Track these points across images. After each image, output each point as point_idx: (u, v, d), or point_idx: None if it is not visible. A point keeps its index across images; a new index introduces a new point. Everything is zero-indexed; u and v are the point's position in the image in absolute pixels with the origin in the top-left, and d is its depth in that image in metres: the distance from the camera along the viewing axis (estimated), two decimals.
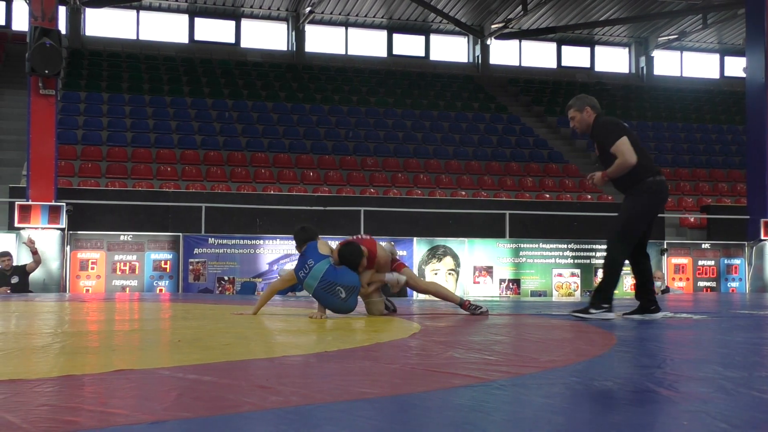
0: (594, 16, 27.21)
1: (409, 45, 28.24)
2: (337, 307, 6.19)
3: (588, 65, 30.00)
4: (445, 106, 23.97)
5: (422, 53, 28.33)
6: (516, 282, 14.67)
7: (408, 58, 27.92)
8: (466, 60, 28.67)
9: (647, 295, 6.14)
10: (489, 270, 14.56)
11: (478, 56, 28.22)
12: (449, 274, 14.41)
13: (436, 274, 14.34)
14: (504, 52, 28.78)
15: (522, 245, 14.83)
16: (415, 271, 14.28)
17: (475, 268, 14.51)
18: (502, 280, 14.61)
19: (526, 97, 26.64)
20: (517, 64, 29.02)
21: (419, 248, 14.38)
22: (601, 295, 5.89)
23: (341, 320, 6.08)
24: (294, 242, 6.75)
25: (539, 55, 29.49)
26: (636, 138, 5.95)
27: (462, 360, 3.45)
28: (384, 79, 25.78)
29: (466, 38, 28.55)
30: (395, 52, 28.03)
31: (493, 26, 27.12)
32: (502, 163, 21.03)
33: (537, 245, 14.92)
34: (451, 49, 28.75)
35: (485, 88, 26.47)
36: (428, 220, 15.65)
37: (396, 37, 28.07)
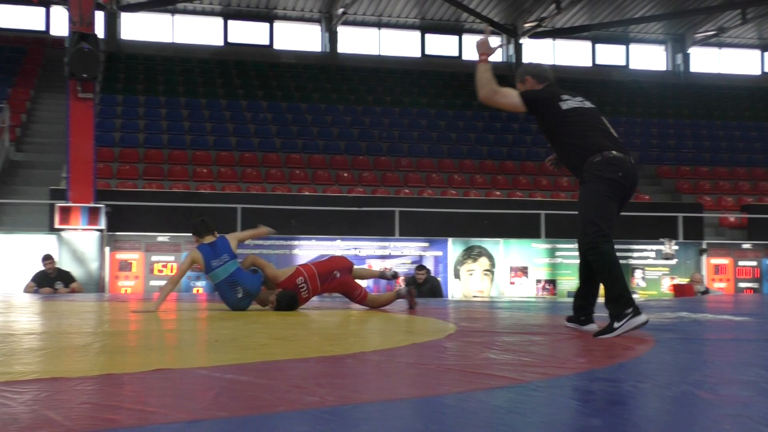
0: (629, 13, 26.93)
1: (441, 45, 28.19)
2: (232, 304, 7.20)
3: (623, 63, 29.72)
4: (479, 106, 23.86)
5: (455, 53, 28.26)
6: (552, 282, 14.57)
7: (441, 58, 27.88)
8: (499, 59, 28.54)
9: (586, 303, 5.02)
10: (524, 270, 14.49)
11: (511, 55, 28.08)
12: (485, 274, 14.36)
13: (471, 274, 14.30)
14: (537, 51, 28.62)
15: (558, 245, 14.73)
16: (450, 271, 14.26)
17: (511, 269, 14.44)
18: (538, 281, 14.52)
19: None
20: (551, 62, 28.84)
21: (454, 249, 14.34)
22: (618, 303, 4.52)
23: (377, 321, 6.09)
24: (196, 233, 7.63)
25: (573, 53, 29.28)
26: (590, 113, 4.87)
27: (498, 361, 3.43)
28: (417, 80, 25.76)
29: (500, 37, 28.42)
30: (428, 52, 28.01)
31: (526, 25, 26.98)
32: (536, 162, 20.89)
33: (573, 245, 14.76)
34: None
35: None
36: (463, 221, 15.60)
37: (429, 37, 28.04)
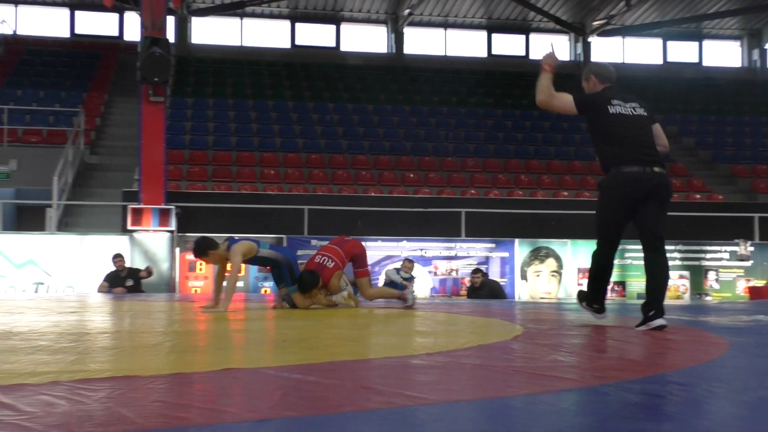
0: (702, 8, 26.33)
1: (508, 44, 28.01)
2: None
3: (696, 60, 29.07)
4: None
5: (522, 52, 28.05)
6: (621, 284, 14.33)
7: (508, 58, 27.69)
8: (567, 58, 28.21)
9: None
10: None
11: (579, 54, 27.74)
12: (552, 275, 14.21)
13: (538, 275, 14.16)
14: (606, 49, 28.19)
15: (627, 246, 14.45)
16: (517, 272, 14.14)
17: (579, 270, 14.24)
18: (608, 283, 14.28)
19: (629, 94, 25.91)
20: (620, 61, 28.38)
21: (521, 250, 14.21)
22: (590, 296, 5.59)
23: (444, 322, 6.07)
24: (205, 253, 7.46)
25: (643, 51, 28.76)
26: (630, 121, 5.27)
27: (567, 363, 3.39)
28: (483, 80, 25.63)
29: (568, 36, 28.11)
30: (494, 52, 27.85)
31: (594, 23, 26.60)
32: (598, 163, 20.58)
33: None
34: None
35: None
36: (530, 221, 15.46)
37: (495, 36, 27.89)
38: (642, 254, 5.32)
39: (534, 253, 14.27)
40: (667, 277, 5.26)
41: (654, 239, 5.27)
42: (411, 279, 12.56)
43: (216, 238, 7.64)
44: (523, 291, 14.08)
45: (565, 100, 5.30)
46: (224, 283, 7.43)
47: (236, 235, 8.04)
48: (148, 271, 12.24)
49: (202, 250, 7.37)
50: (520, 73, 26.35)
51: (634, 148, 5.19)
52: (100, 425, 2.04)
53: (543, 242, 14.39)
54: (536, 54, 27.99)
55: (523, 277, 14.16)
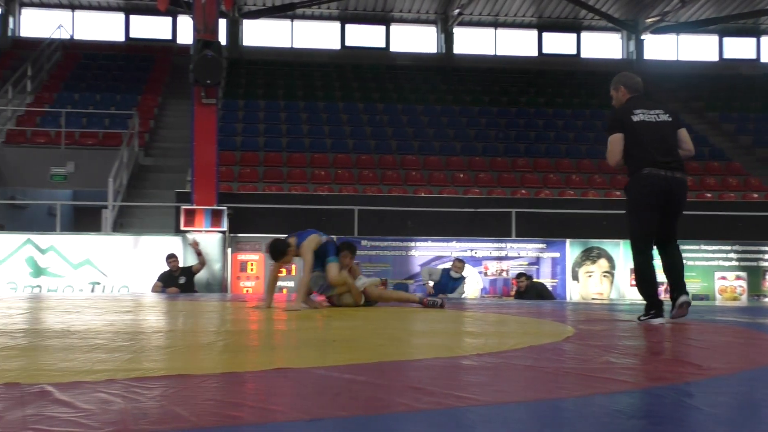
0: (760, 3, 25.78)
1: (559, 43, 27.77)
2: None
3: (753, 56, 28.47)
4: (598, 104, 23.36)
5: (573, 51, 27.78)
6: None
7: (558, 57, 27.46)
8: (619, 56, 27.88)
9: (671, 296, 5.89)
10: None
11: (632, 52, 27.38)
12: (604, 276, 14.04)
13: (590, 276, 14.01)
14: (660, 47, 27.78)
15: (681, 246, 14.20)
16: (568, 273, 14.01)
17: (632, 270, 14.04)
18: (660, 283, 14.07)
19: (684, 92, 25.54)
20: (675, 58, 27.95)
21: (572, 250, 14.08)
22: (647, 302, 5.81)
23: (494, 323, 6.04)
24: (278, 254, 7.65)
25: (698, 48, 28.26)
26: (652, 128, 5.65)
27: (619, 365, 3.34)
28: (534, 79, 25.44)
29: (620, 34, 27.77)
30: (545, 51, 27.63)
31: (648, 20, 26.22)
32: None
33: (698, 247, 14.29)
34: (603, 45, 28.04)
35: None
36: (581, 221, 15.29)
37: (546, 35, 27.68)
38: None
39: (586, 254, 14.12)
40: (683, 264, 5.97)
41: (671, 238, 5.85)
42: (461, 279, 12.52)
43: (284, 237, 7.89)
44: (575, 292, 13.95)
45: (613, 142, 5.73)
46: (277, 283, 7.53)
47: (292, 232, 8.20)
48: (195, 243, 12.37)
49: (281, 252, 7.55)
50: (571, 72, 26.12)
51: (656, 153, 5.58)
52: (154, 423, 2.08)
53: (595, 242, 14.23)
54: (587, 52, 27.72)
55: (575, 277, 14.02)
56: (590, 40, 27.95)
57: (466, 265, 13.05)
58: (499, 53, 27.31)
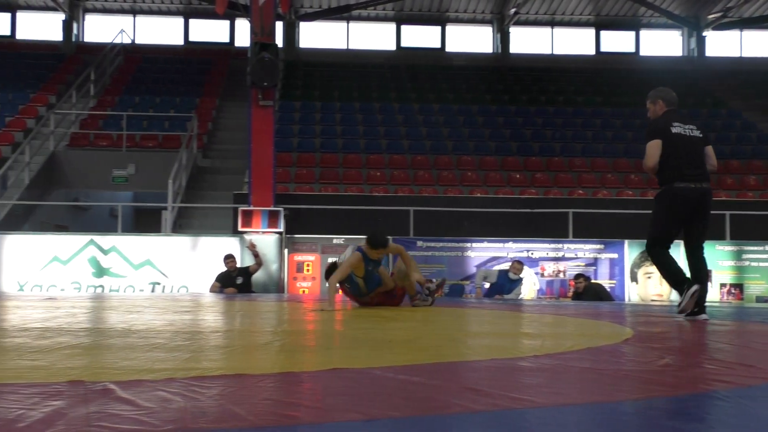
0: None
1: (617, 41, 27.40)
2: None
3: None
4: None
5: (632, 49, 27.39)
6: (738, 287, 13.81)
7: (616, 55, 27.09)
8: (679, 53, 27.39)
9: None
10: (707, 274, 13.78)
11: (693, 49, 26.87)
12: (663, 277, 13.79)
13: (649, 277, 13.78)
14: (722, 44, 27.20)
15: (745, 248, 13.94)
16: (627, 274, 13.81)
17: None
18: (722, 285, 13.80)
19: (748, 90, 24.95)
20: (738, 55, 27.34)
21: (631, 251, 13.87)
22: (678, 290, 6.33)
23: (551, 324, 5.99)
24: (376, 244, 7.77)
25: (763, 44, 27.59)
26: (686, 141, 6.14)
27: (679, 367, 3.29)
28: (591, 78, 25.12)
29: (680, 31, 27.28)
30: (603, 49, 27.28)
31: (709, 16, 25.71)
32: (721, 160, 19.80)
33: (763, 248, 13.96)
34: (663, 43, 27.57)
35: (700, 83, 25.11)
36: (640, 222, 15.00)
37: (603, 34, 27.33)
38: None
39: (644, 254, 13.87)
40: (707, 268, 6.43)
41: (699, 245, 6.30)
42: (519, 281, 12.43)
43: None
44: (633, 293, 13.74)
45: (652, 147, 6.18)
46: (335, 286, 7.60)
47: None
48: (252, 245, 12.49)
49: (383, 244, 7.81)
50: (629, 70, 25.73)
51: (687, 167, 6.14)
52: (213, 422, 2.11)
53: None
54: (646, 50, 27.30)
55: (633, 278, 13.81)
56: (649, 37, 27.51)
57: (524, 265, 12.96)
58: (555, 52, 27.05)
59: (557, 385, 2.82)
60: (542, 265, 13.83)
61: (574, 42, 27.24)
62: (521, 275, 12.47)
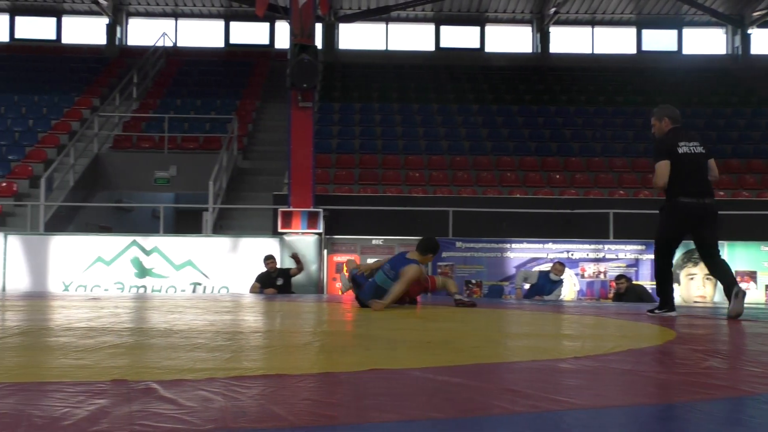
0: None
1: (659, 40, 27.08)
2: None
3: None
4: (698, 102, 22.66)
5: (674, 47, 27.04)
6: None
7: (658, 54, 26.77)
8: (723, 52, 26.98)
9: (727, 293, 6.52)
10: (752, 275, 13.57)
11: (737, 47, 26.45)
12: (706, 278, 13.59)
13: (692, 279, 13.60)
14: (767, 42, 26.73)
15: None
16: None
17: (737, 273, 13.55)
18: (767, 287, 13.56)
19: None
20: None
21: None
22: (660, 299, 6.97)
23: (592, 325, 5.94)
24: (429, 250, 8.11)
25: None
26: (691, 160, 6.55)
27: (723, 370, 3.24)
28: (632, 77, 24.84)
29: (724, 29, 26.87)
30: (645, 48, 26.98)
31: (754, 14, 25.31)
32: (765, 160, 19.54)
33: None
34: (706, 41, 27.19)
35: (744, 81, 24.71)
36: None
37: (645, 32, 27.02)
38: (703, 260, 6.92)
39: (687, 256, 13.69)
40: (730, 268, 6.72)
41: (713, 250, 6.64)
42: (560, 282, 12.34)
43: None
44: (676, 295, 13.53)
45: (661, 167, 6.61)
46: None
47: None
48: (295, 256, 12.56)
49: (434, 249, 8.17)
50: (671, 68, 25.40)
51: (692, 183, 6.58)
52: (253, 421, 2.12)
53: None
54: (689, 48, 26.94)
55: (676, 280, 13.63)
56: (692, 36, 27.14)
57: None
58: (596, 52, 26.81)
59: (599, 387, 2.80)
60: (582, 266, 13.71)
61: (615, 41, 26.97)
62: (562, 276, 12.38)
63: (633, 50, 27.01)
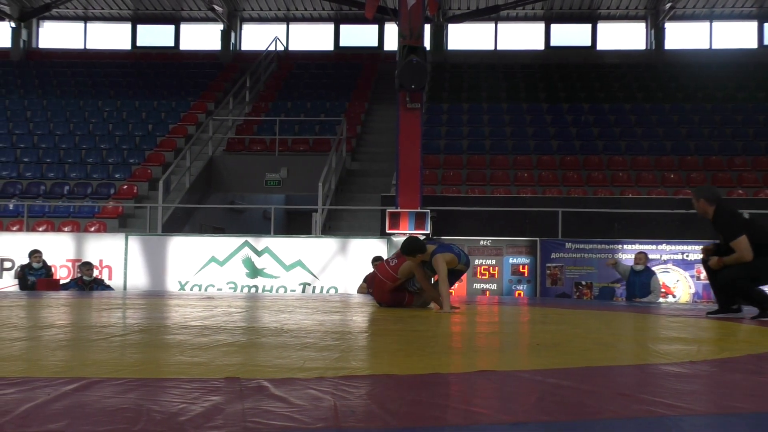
0: None
1: None
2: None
3: None
4: None
5: None
6: None
7: None
8: None
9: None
10: None
11: None
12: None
13: None
14: None
15: None
16: None
17: None
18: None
19: None
20: None
21: None
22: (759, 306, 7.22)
23: (708, 328, 5.73)
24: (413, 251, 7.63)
25: None
26: (757, 225, 7.26)
27: None
28: (754, 73, 23.82)
29: None
30: (766, 42, 25.84)
31: None
32: None
33: None
34: None
35: None
36: None
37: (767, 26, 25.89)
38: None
39: None
40: None
41: None
42: (648, 273, 11.92)
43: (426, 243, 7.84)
44: None
45: (745, 241, 7.10)
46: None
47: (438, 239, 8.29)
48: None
49: (411, 250, 7.58)
50: None
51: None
52: (361, 420, 2.14)
53: None
54: None
55: None
56: None
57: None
58: (714, 47, 25.86)
59: (716, 393, 2.70)
60: (698, 268, 13.24)
61: (735, 35, 25.94)
62: (646, 265, 12.00)
63: (754, 45, 25.92)
